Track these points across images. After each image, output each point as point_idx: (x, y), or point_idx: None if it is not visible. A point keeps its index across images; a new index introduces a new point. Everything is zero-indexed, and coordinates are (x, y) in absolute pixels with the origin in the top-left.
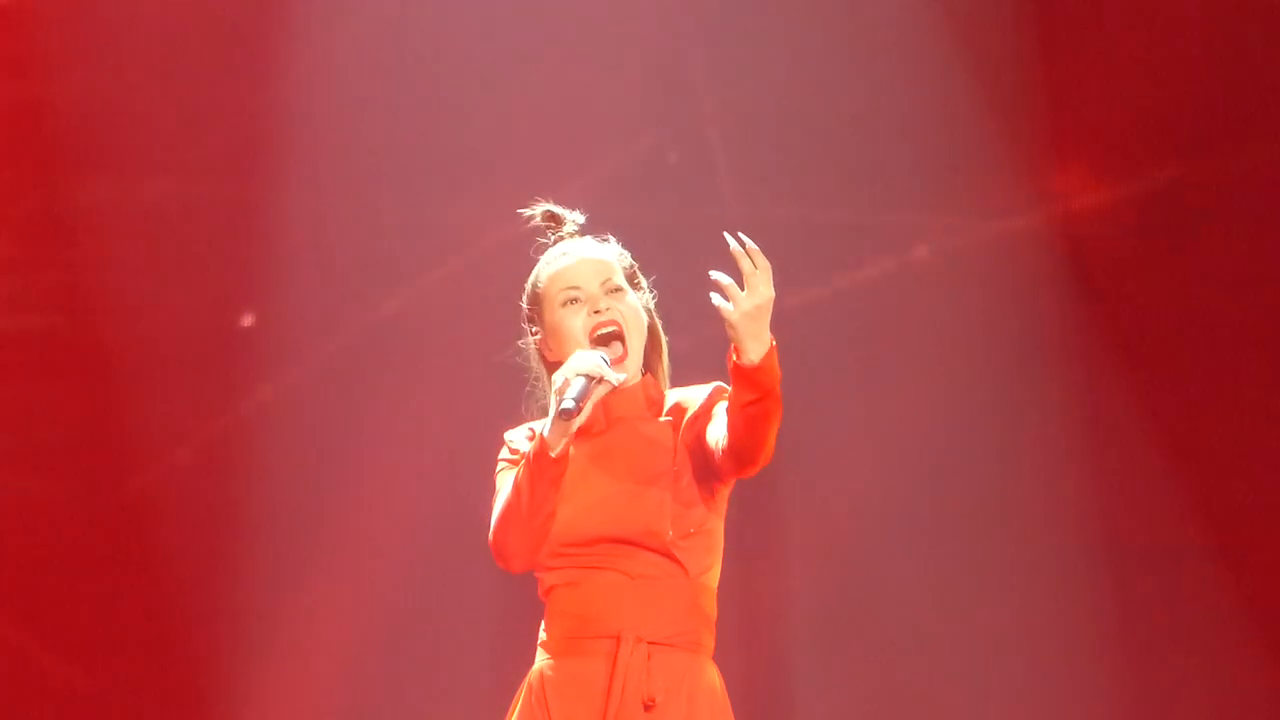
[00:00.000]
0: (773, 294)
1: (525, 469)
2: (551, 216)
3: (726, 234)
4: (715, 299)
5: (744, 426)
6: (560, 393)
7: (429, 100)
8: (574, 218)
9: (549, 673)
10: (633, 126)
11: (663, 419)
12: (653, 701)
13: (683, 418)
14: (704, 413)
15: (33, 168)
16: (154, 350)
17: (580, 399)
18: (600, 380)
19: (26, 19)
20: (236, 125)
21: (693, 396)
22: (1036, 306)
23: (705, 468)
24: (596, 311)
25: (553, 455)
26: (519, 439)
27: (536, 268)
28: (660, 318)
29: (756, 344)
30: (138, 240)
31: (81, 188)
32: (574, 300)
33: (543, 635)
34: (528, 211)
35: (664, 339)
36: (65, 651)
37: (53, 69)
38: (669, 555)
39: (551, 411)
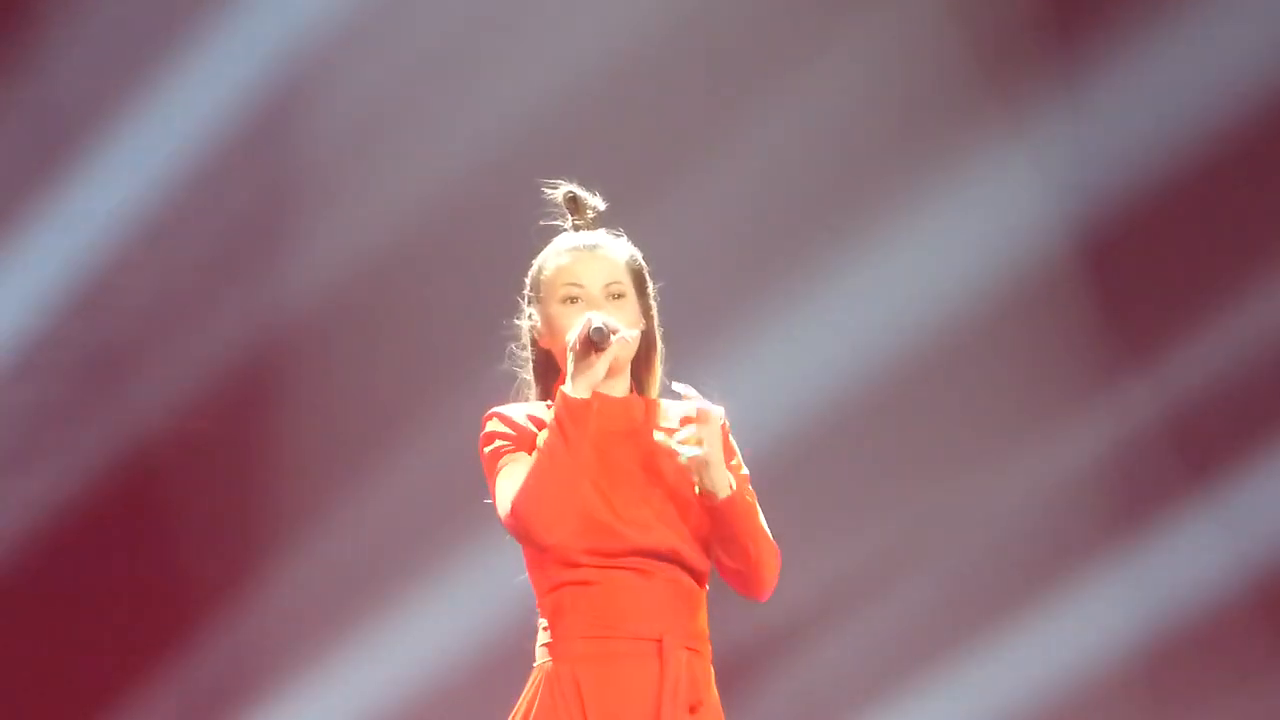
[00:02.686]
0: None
1: (554, 423)
2: (573, 199)
3: (676, 385)
4: (682, 449)
5: (733, 562)
6: (584, 332)
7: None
8: (595, 203)
9: (583, 675)
10: None
11: (665, 430)
12: (699, 703)
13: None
14: (729, 451)
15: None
16: (157, 351)
17: (606, 332)
18: (616, 332)
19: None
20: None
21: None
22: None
23: None
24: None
25: (583, 398)
26: (517, 415)
27: (546, 251)
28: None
29: (723, 483)
30: (141, 242)
31: (83, 189)
32: (574, 299)
33: (550, 636)
34: (551, 191)
35: (660, 348)
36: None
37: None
38: (692, 568)
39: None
